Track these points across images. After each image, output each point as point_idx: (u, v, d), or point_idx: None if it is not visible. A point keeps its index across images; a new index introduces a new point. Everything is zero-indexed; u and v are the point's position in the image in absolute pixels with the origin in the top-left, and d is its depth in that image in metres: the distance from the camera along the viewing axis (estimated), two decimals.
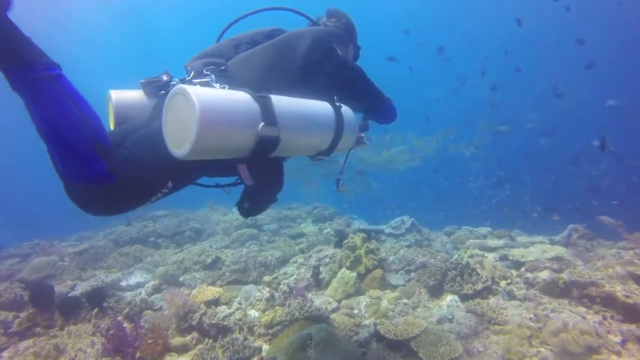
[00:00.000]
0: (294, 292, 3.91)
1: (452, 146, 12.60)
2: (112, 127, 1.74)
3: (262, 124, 1.33)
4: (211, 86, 1.44)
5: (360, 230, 5.50)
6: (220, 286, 5.14)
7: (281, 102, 1.47)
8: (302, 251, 6.84)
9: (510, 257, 5.42)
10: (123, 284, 5.70)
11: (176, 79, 1.68)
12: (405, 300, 4.19)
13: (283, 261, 6.60)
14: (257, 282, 5.12)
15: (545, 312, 3.87)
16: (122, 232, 8.14)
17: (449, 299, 4.02)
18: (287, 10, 2.14)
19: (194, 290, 4.29)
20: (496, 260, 5.00)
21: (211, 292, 4.11)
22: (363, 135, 2.06)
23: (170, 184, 1.48)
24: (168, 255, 6.94)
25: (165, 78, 1.73)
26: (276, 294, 4.09)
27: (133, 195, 1.39)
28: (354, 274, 4.53)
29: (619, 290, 3.83)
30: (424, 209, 13.15)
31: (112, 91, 1.75)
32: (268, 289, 4.21)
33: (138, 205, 1.45)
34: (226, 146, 1.29)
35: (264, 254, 5.85)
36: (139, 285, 5.74)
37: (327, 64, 1.84)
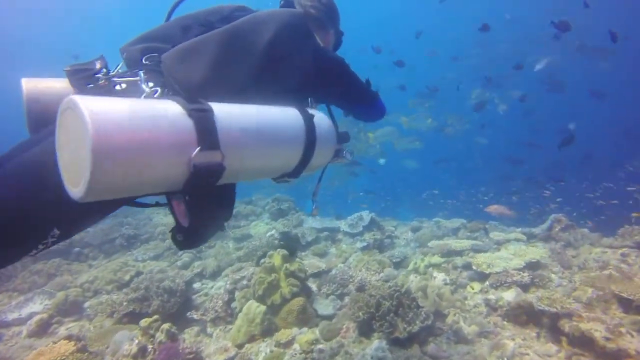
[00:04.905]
0: (161, 353, 2.92)
1: (448, 117, 10.90)
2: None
3: (197, 149, 0.98)
4: (139, 88, 1.18)
5: (290, 242, 4.49)
6: (117, 319, 4.20)
7: (228, 114, 1.12)
8: (239, 259, 5.90)
9: (474, 267, 4.45)
10: (11, 317, 4.73)
11: (103, 70, 1.31)
12: (321, 346, 3.22)
13: (216, 273, 5.68)
14: (157, 314, 4.14)
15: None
16: None
17: (374, 345, 3.04)
18: None
19: (33, 352, 3.28)
20: (446, 284, 4.01)
21: (53, 354, 3.10)
22: (342, 147, 1.68)
23: (56, 232, 1.12)
24: (83, 273, 5.95)
25: (98, 65, 1.34)
26: (150, 347, 3.12)
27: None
28: (263, 308, 3.55)
29: (598, 330, 2.85)
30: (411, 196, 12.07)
31: (25, 80, 1.37)
32: (142, 338, 3.23)
33: (11, 262, 1.14)
34: (142, 182, 0.94)
35: (171, 275, 4.85)
36: (33, 316, 4.77)
37: (300, 57, 1.47)
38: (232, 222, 7.93)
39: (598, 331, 2.82)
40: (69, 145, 0.93)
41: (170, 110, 1.01)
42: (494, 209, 6.48)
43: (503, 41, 15.08)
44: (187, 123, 1.01)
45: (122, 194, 0.96)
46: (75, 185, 0.88)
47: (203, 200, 1.18)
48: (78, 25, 26.24)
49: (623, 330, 2.86)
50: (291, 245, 4.68)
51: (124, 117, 0.89)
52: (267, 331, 3.49)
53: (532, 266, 4.42)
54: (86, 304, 4.97)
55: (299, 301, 3.67)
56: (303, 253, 6.09)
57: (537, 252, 4.80)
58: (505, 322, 3.55)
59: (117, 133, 0.86)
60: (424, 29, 11.06)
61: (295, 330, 3.47)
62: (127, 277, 5.56)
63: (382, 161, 10.70)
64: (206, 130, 1.03)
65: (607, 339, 2.74)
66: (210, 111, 1.07)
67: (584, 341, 2.88)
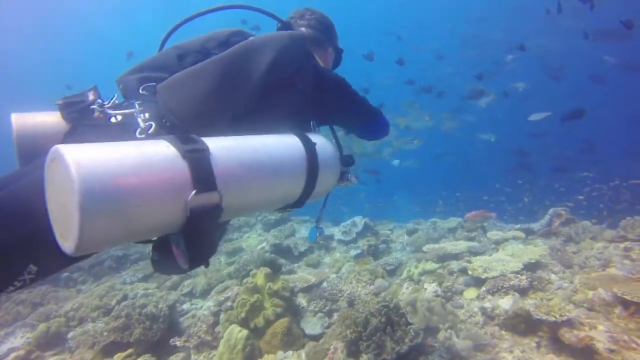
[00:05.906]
0: None
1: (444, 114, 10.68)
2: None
3: (192, 192, 0.94)
4: (134, 120, 1.14)
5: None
6: (97, 352, 4.00)
7: (224, 150, 1.07)
8: (229, 276, 5.69)
9: (469, 272, 4.23)
10: None
11: (98, 101, 1.25)
12: None
13: (207, 291, 5.49)
14: (139, 343, 3.94)
15: None
16: None
17: None
18: (249, 9, 1.67)
19: None
20: (437, 295, 3.79)
21: None
22: (347, 170, 1.62)
23: (32, 268, 1.03)
24: (70, 300, 5.77)
25: (91, 97, 1.29)
26: None
27: None
28: (244, 332, 3.35)
29: (601, 340, 2.62)
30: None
31: (15, 115, 1.32)
32: None
33: None
34: (137, 232, 0.91)
35: (155, 298, 4.65)
36: (13, 351, 4.60)
37: (300, 80, 1.43)
38: (226, 234, 7.73)
39: (601, 342, 2.60)
40: (58, 198, 0.89)
41: (162, 154, 0.96)
42: (472, 215, 6.30)
43: (499, 30, 14.89)
44: (181, 166, 0.96)
45: (116, 244, 0.95)
46: (66, 240, 0.86)
47: (201, 238, 1.11)
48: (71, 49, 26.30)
49: (627, 338, 2.64)
50: (275, 262, 4.48)
51: (113, 167, 0.86)
52: (250, 358, 3.28)
53: (531, 267, 4.20)
54: (69, 335, 4.78)
55: (283, 322, 3.46)
56: (296, 264, 5.88)
57: (536, 251, 4.57)
58: (503, 332, 3.33)
59: (105, 186, 0.83)
60: (422, 21, 10.91)
61: (280, 354, 3.27)
62: (113, 302, 5.36)
63: (396, 162, 10.50)
64: (201, 172, 0.99)
65: (611, 350, 2.52)
66: (205, 151, 1.02)
67: (586, 353, 2.65)
